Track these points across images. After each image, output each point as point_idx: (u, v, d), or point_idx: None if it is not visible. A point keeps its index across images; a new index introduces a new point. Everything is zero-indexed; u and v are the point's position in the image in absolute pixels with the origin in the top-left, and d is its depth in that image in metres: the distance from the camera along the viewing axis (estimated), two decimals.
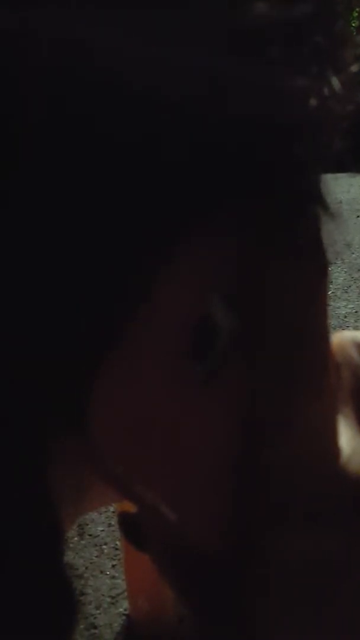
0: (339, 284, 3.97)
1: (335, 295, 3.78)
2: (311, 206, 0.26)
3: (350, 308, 3.63)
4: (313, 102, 0.24)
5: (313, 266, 0.27)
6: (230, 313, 0.25)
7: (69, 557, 0.27)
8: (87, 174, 0.22)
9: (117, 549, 2.11)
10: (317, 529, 0.28)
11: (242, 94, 0.23)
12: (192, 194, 0.23)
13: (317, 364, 0.28)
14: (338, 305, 3.68)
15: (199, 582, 0.30)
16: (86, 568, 2.09)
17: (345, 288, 3.90)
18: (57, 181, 0.22)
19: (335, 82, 0.25)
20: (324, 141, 0.25)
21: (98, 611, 1.94)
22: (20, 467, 0.24)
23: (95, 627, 1.90)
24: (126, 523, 0.33)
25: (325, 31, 0.24)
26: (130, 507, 0.32)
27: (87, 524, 2.20)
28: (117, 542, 2.11)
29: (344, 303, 3.68)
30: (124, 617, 1.94)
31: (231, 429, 0.26)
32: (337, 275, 4.09)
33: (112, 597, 2.00)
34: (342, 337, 0.33)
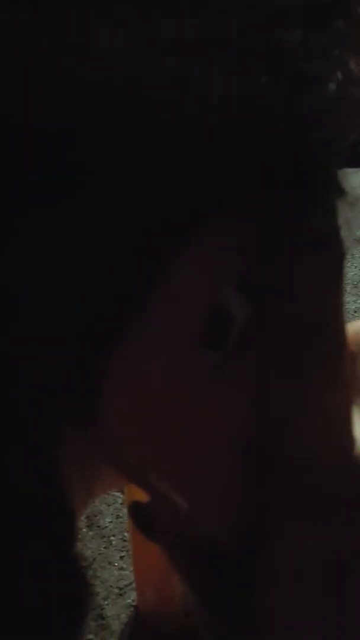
0: (348, 279, 3.95)
1: (345, 290, 3.75)
2: (328, 194, 0.26)
3: (359, 304, 3.61)
4: (332, 86, 0.24)
5: (329, 256, 0.27)
6: (244, 302, 0.25)
7: (77, 548, 0.27)
8: (106, 162, 0.22)
9: (125, 541, 2.11)
10: (328, 520, 0.28)
11: (261, 76, 0.23)
12: (208, 182, 0.23)
13: (332, 353, 0.28)
14: (348, 300, 3.66)
15: (209, 572, 0.30)
16: (94, 559, 2.09)
17: (355, 283, 3.87)
18: (81, 169, 0.22)
19: (355, 66, 0.24)
20: (342, 126, 0.25)
21: (106, 602, 1.95)
22: (32, 452, 0.25)
23: (103, 618, 1.91)
24: (137, 512, 0.33)
25: (346, 15, 0.24)
26: (141, 496, 0.32)
27: (96, 516, 2.20)
28: (125, 534, 2.11)
29: (354, 298, 3.66)
30: (131, 609, 1.94)
31: (244, 417, 0.26)
32: (347, 270, 4.05)
33: (120, 589, 2.00)
34: (357, 327, 0.32)
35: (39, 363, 0.24)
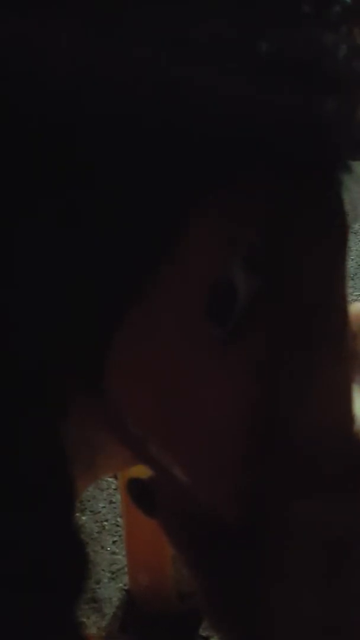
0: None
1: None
2: (335, 171, 0.26)
3: (356, 295, 3.60)
4: (341, 59, 0.24)
5: (334, 233, 0.27)
6: (250, 276, 0.25)
7: (76, 526, 0.27)
8: (112, 140, 0.22)
9: (117, 526, 2.12)
10: (329, 497, 0.28)
11: (273, 49, 0.23)
12: (216, 158, 0.24)
13: (335, 331, 0.28)
14: None
15: (210, 550, 0.30)
16: (87, 543, 2.09)
17: (352, 276, 3.85)
18: (91, 152, 0.22)
19: None
20: (349, 102, 0.25)
21: (98, 586, 1.95)
22: (36, 424, 0.24)
23: (95, 601, 1.91)
24: (136, 489, 0.33)
25: (355, 15, 0.25)
26: (139, 473, 0.32)
27: (89, 500, 2.20)
28: (118, 519, 2.12)
29: (350, 290, 3.64)
30: (123, 592, 1.95)
31: (249, 391, 0.26)
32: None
33: (112, 573, 2.01)
34: (358, 309, 0.32)
35: (47, 334, 0.24)
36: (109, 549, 2.09)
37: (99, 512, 2.21)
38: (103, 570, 2.01)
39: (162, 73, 0.22)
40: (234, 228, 0.25)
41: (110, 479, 2.07)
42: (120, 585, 1.98)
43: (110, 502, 2.22)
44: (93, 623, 1.84)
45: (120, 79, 0.22)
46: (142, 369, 0.26)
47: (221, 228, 0.25)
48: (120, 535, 2.07)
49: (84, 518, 2.17)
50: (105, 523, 2.18)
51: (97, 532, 2.14)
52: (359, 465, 0.28)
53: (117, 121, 0.22)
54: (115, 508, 2.18)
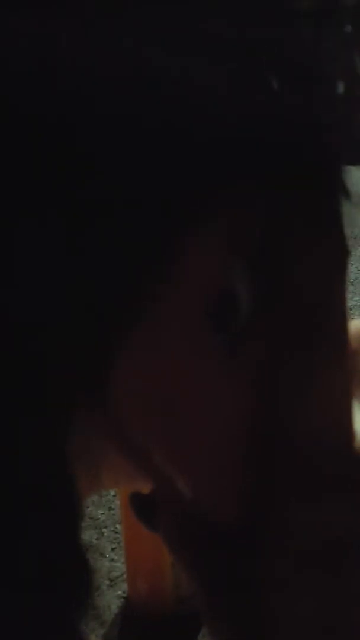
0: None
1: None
2: (334, 187, 0.26)
3: (356, 300, 3.61)
4: (341, 86, 0.24)
5: (334, 246, 0.27)
6: (251, 284, 0.25)
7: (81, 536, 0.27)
8: (119, 145, 0.22)
9: (117, 533, 2.12)
10: (330, 497, 0.28)
11: (273, 75, 0.23)
12: (217, 168, 0.24)
13: (335, 342, 0.28)
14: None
15: (211, 560, 0.30)
16: (86, 550, 2.09)
17: (352, 280, 3.87)
18: (94, 156, 0.22)
19: None
20: (349, 123, 0.26)
21: (96, 593, 1.95)
22: (41, 435, 0.25)
23: (94, 609, 1.91)
24: (138, 503, 0.33)
25: (355, 19, 0.25)
26: (140, 489, 0.32)
27: (88, 507, 2.21)
28: (117, 526, 2.12)
29: (351, 295, 3.66)
30: (122, 600, 1.95)
31: (252, 399, 0.26)
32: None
33: (111, 580, 2.01)
34: (358, 325, 0.33)
35: (52, 345, 0.24)
36: (107, 556, 2.09)
37: (98, 518, 2.21)
38: (102, 577, 2.01)
39: (163, 76, 0.22)
40: (234, 238, 0.25)
41: None
42: (119, 592, 1.97)
43: (110, 508, 2.22)
44: (92, 630, 1.84)
45: (123, 82, 0.22)
46: (146, 378, 0.26)
47: (221, 238, 0.25)
48: (119, 543, 2.07)
49: (82, 524, 2.17)
50: (105, 530, 2.18)
51: (96, 539, 2.14)
52: (357, 477, 0.28)
53: (117, 131, 0.22)
54: (114, 515, 2.18)
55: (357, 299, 3.71)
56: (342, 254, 0.28)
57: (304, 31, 0.24)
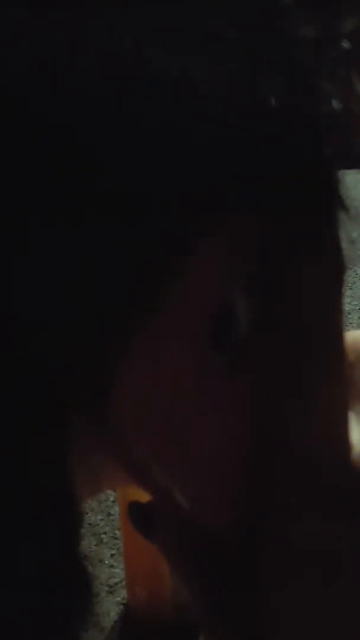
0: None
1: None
2: (332, 205, 0.27)
3: (354, 305, 3.62)
4: (338, 104, 0.25)
5: (331, 263, 0.28)
6: (249, 304, 0.25)
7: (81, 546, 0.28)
8: (120, 169, 0.22)
9: (115, 539, 2.12)
10: (325, 517, 0.28)
11: (271, 95, 0.23)
12: (215, 189, 0.24)
13: (332, 359, 0.29)
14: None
15: (209, 572, 0.30)
16: (85, 557, 2.09)
17: (350, 285, 3.89)
18: (99, 175, 0.22)
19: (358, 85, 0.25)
20: (345, 140, 0.26)
21: (96, 600, 1.95)
22: (41, 446, 0.25)
23: (93, 615, 1.91)
24: (136, 512, 0.33)
25: (354, 37, 0.25)
26: (136, 496, 0.32)
27: (86, 513, 2.21)
28: (116, 532, 2.12)
29: (348, 300, 3.67)
30: (121, 606, 1.95)
31: (251, 415, 0.27)
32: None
33: (110, 586, 2.01)
34: (355, 337, 0.33)
35: (54, 348, 0.24)
36: (107, 562, 2.08)
37: (97, 524, 2.21)
38: (101, 584, 2.01)
39: (163, 76, 0.22)
40: (233, 257, 0.25)
41: (107, 492, 2.07)
42: (118, 599, 1.97)
43: (108, 514, 2.22)
44: (91, 637, 1.83)
45: (124, 82, 0.22)
46: (146, 394, 0.26)
47: (221, 257, 0.25)
48: (118, 549, 2.06)
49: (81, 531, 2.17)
50: (104, 536, 2.18)
51: (95, 545, 2.14)
52: (354, 490, 0.29)
53: (116, 132, 0.22)
54: (113, 521, 2.18)
55: (356, 303, 3.72)
56: (339, 270, 0.28)
57: (303, 51, 0.24)
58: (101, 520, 2.22)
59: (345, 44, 0.25)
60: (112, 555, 2.10)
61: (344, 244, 0.28)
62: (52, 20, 0.21)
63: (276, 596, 0.28)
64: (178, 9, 0.23)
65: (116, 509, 2.10)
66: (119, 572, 2.01)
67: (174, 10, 0.23)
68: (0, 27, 0.21)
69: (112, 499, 2.18)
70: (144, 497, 0.32)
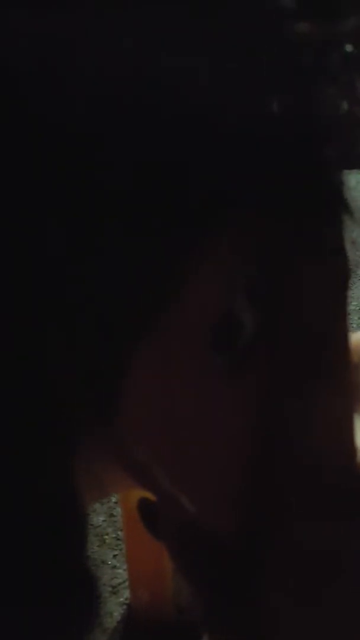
0: None
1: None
2: (335, 209, 0.27)
3: (354, 305, 3.60)
4: (339, 105, 0.25)
5: (335, 268, 0.28)
6: (253, 310, 0.25)
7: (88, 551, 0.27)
8: (125, 178, 0.23)
9: (118, 539, 2.11)
10: (325, 517, 0.28)
11: (275, 99, 0.23)
12: (219, 196, 0.24)
13: (336, 362, 0.28)
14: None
15: (213, 570, 0.30)
16: (88, 559, 2.08)
17: (350, 285, 3.85)
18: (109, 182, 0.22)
19: None
20: (349, 144, 0.26)
21: (100, 601, 1.94)
22: (47, 453, 0.25)
23: (97, 617, 1.90)
24: (145, 508, 0.33)
25: (356, 38, 0.25)
26: (147, 495, 0.32)
27: (89, 514, 2.19)
28: (119, 532, 2.11)
29: (350, 300, 3.64)
30: (124, 607, 1.95)
31: (253, 418, 0.27)
32: None
33: (113, 587, 2.00)
34: (358, 339, 0.33)
35: (60, 353, 0.24)
36: (109, 563, 2.08)
37: (100, 525, 2.20)
38: (104, 584, 2.00)
39: (163, 76, 0.22)
40: (236, 263, 0.25)
41: None
42: (121, 600, 1.97)
43: (111, 515, 2.21)
44: (94, 638, 1.83)
45: (123, 83, 0.22)
46: (150, 395, 0.26)
47: (224, 264, 0.25)
48: (121, 549, 2.06)
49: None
50: (106, 537, 2.17)
51: (98, 546, 2.13)
52: (356, 492, 0.29)
53: (115, 133, 0.22)
54: (115, 522, 2.17)
55: (355, 303, 3.70)
56: (344, 274, 0.28)
57: (306, 55, 0.24)
58: (104, 521, 2.21)
59: (348, 46, 0.25)
60: (114, 556, 2.09)
61: (346, 245, 0.28)
62: (52, 20, 0.21)
63: (276, 596, 0.28)
64: (179, 9, 0.23)
65: (119, 510, 2.09)
66: (122, 573, 2.01)
67: (175, 10, 0.23)
68: (0, 27, 0.21)
69: (114, 500, 2.17)
70: (150, 495, 0.32)
